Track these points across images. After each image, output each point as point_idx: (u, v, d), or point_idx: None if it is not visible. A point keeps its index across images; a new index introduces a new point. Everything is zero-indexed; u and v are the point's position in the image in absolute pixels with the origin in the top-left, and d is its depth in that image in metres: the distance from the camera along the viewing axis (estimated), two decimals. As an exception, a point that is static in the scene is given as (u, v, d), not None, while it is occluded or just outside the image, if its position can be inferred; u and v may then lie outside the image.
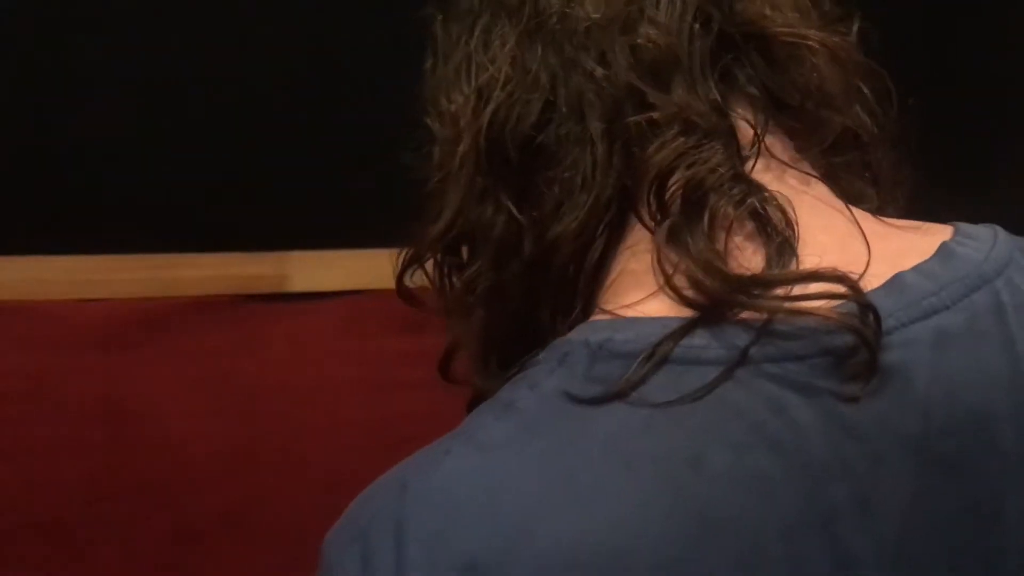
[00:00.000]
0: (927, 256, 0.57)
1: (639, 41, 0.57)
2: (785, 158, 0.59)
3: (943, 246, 0.58)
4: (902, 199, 0.66)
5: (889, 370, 0.52)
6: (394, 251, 0.68)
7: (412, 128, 0.61)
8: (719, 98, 0.57)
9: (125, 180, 1.29)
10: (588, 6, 0.59)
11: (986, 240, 0.59)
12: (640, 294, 0.55)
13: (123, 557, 1.30)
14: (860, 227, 0.57)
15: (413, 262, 0.66)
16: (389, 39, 1.33)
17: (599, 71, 0.58)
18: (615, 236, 0.59)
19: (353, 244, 1.35)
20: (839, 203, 0.59)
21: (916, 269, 0.56)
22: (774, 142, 0.59)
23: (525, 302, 0.61)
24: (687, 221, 0.54)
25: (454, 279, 0.65)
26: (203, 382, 1.32)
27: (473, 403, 0.61)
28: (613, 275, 0.59)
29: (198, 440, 1.32)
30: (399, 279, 0.68)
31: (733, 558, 0.49)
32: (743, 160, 0.56)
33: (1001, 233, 0.60)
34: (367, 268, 1.35)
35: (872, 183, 0.65)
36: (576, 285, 0.59)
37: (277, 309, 1.34)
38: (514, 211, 0.60)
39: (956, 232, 0.60)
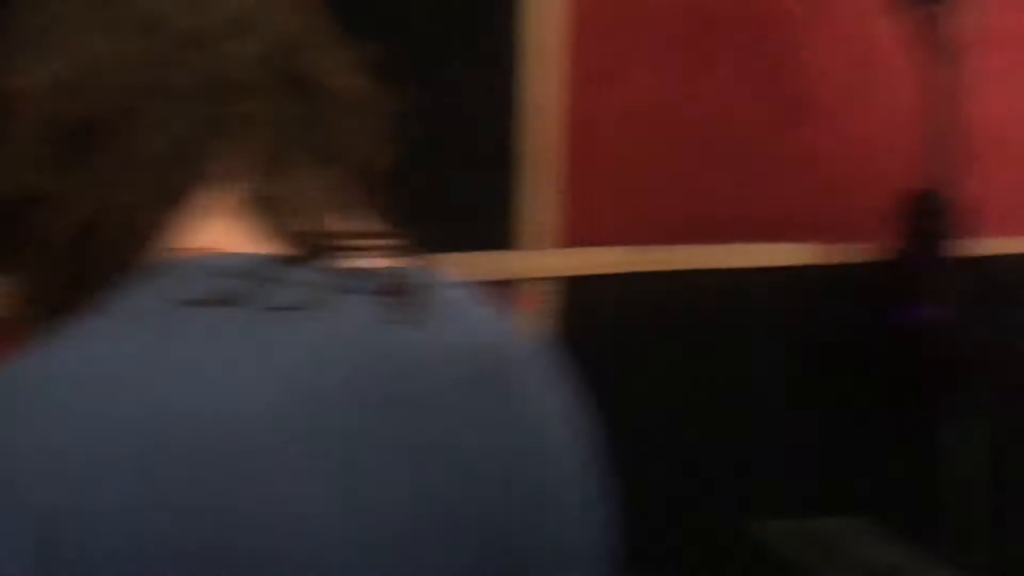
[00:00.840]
0: None
1: (221, 58, 0.66)
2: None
3: None
4: None
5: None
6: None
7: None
8: (269, 118, 0.67)
9: None
10: (179, 10, 0.66)
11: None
12: (219, 240, 0.65)
13: None
14: None
15: None
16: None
17: (189, 66, 0.66)
18: (176, 205, 0.66)
19: None
20: None
21: None
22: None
23: (75, 257, 0.67)
24: (265, 196, 0.66)
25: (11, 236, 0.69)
26: None
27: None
28: (180, 230, 0.66)
29: None
30: None
31: (309, 422, 0.61)
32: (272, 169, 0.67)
33: None
34: None
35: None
36: (132, 242, 0.65)
37: None
38: (76, 178, 0.65)
39: None
